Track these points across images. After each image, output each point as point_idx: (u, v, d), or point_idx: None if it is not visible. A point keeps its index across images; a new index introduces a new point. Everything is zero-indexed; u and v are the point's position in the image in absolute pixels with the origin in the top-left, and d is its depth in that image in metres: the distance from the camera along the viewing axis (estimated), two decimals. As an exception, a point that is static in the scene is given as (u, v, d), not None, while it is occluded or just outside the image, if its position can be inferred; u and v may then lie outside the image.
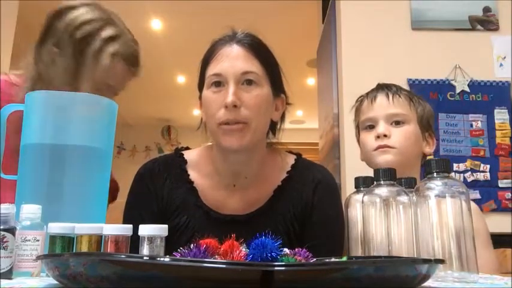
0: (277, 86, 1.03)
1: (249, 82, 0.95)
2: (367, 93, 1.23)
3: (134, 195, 1.06)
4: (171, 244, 0.93)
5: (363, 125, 1.20)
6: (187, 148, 1.13)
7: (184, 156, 1.08)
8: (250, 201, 1.03)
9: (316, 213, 1.03)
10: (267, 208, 1.02)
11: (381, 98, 1.18)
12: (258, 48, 1.00)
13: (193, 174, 1.05)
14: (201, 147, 1.12)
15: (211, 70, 0.98)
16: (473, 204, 1.14)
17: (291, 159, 1.09)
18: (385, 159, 1.10)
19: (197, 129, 1.08)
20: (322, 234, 1.01)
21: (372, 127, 1.17)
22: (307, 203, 1.03)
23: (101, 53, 1.16)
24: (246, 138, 0.94)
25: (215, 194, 1.03)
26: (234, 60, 0.96)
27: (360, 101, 1.24)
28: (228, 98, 0.92)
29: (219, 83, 0.96)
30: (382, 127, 1.14)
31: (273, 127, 1.09)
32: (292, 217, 1.02)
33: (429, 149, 1.19)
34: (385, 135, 1.12)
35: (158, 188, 1.03)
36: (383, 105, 1.16)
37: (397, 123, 1.14)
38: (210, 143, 1.08)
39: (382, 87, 1.21)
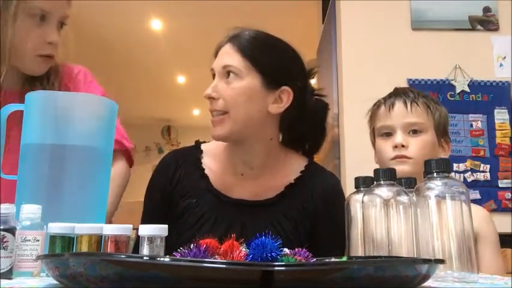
0: (272, 79, 1.04)
1: (228, 75, 1.03)
2: (384, 99, 1.20)
3: (147, 188, 1.15)
4: (181, 224, 1.04)
5: (379, 132, 1.18)
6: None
7: (202, 147, 1.16)
8: (258, 192, 1.07)
9: (327, 220, 1.06)
10: (276, 200, 1.06)
11: (398, 105, 1.15)
12: (244, 44, 1.05)
13: (207, 163, 1.12)
14: None
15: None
16: (484, 211, 1.15)
17: (304, 161, 1.13)
18: (402, 169, 1.09)
19: None
20: (334, 239, 1.04)
21: (388, 134, 1.16)
22: (318, 208, 1.07)
23: None
24: (225, 128, 1.02)
25: (225, 180, 1.09)
26: (220, 56, 1.06)
27: (377, 106, 1.22)
28: (205, 91, 1.04)
29: (214, 78, 1.07)
30: (399, 137, 1.12)
31: (286, 125, 1.11)
32: (301, 215, 1.06)
33: (445, 155, 1.17)
34: (402, 146, 1.11)
35: (169, 176, 1.10)
36: (401, 114, 1.14)
37: (414, 132, 1.13)
38: None
39: (400, 94, 1.18)
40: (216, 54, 1.09)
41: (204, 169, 1.10)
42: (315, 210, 1.06)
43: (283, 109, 1.06)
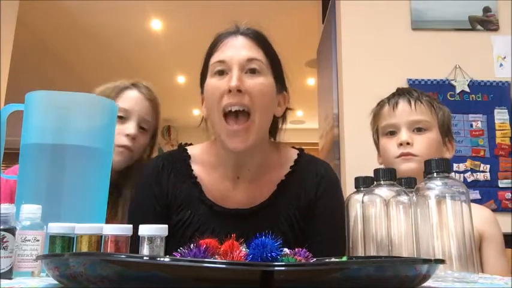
0: (280, 82, 1.03)
1: (253, 70, 0.95)
2: (388, 98, 1.21)
3: (139, 196, 1.08)
4: (176, 239, 0.96)
5: (384, 131, 1.18)
6: (190, 144, 1.14)
7: (188, 151, 1.09)
8: (254, 195, 1.03)
9: (319, 208, 1.04)
10: (270, 202, 1.03)
11: (403, 104, 1.16)
12: (262, 40, 1.01)
13: (196, 169, 1.05)
14: (205, 142, 1.12)
15: (215, 58, 0.98)
16: (488, 212, 1.15)
17: (293, 154, 1.09)
18: (408, 167, 1.10)
19: (198, 125, 1.08)
20: (325, 228, 1.02)
21: (393, 133, 1.16)
22: (310, 198, 1.04)
23: None
24: (250, 138, 0.94)
25: (219, 187, 1.04)
26: (238, 48, 0.97)
27: (380, 105, 1.22)
28: (232, 82, 0.91)
29: (222, 71, 0.96)
30: (404, 135, 1.12)
31: (274, 127, 1.09)
32: (295, 211, 1.03)
33: (449, 154, 1.17)
34: (407, 143, 1.11)
35: (163, 185, 1.04)
36: (405, 112, 1.15)
37: (419, 130, 1.13)
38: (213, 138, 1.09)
39: (404, 93, 1.19)
40: (218, 46, 0.99)
41: (196, 177, 1.04)
42: (307, 206, 1.03)
43: (282, 112, 1.05)
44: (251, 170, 1.03)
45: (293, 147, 1.13)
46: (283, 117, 1.09)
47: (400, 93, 1.20)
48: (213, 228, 0.99)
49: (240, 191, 1.04)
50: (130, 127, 1.23)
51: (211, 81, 0.97)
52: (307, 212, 1.03)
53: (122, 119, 1.24)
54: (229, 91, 0.92)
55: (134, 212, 1.07)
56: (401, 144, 1.12)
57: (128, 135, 1.22)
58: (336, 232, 0.96)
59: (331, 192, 1.06)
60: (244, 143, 0.93)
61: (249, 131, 0.93)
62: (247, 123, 0.93)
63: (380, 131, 1.21)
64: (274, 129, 1.10)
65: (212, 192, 1.03)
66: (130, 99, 1.27)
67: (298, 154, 1.09)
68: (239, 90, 0.92)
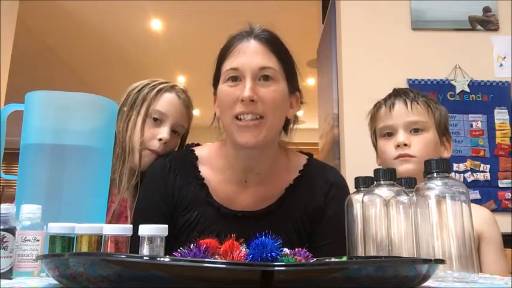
0: (292, 83, 1.03)
1: (266, 77, 0.95)
2: (385, 100, 1.21)
3: (145, 196, 1.08)
4: (182, 240, 0.97)
5: (381, 132, 1.19)
6: (197, 144, 1.14)
7: (195, 152, 1.09)
8: (261, 198, 1.03)
9: (328, 214, 1.04)
10: (278, 205, 1.03)
11: (399, 105, 1.16)
12: (275, 44, 1.00)
13: (204, 170, 1.06)
14: (213, 143, 1.12)
15: (228, 65, 0.98)
16: (487, 212, 1.15)
17: (303, 159, 1.10)
18: (406, 168, 1.10)
19: (211, 124, 1.08)
20: (333, 234, 1.01)
21: (390, 134, 1.16)
22: (319, 204, 1.04)
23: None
24: (261, 134, 0.94)
25: (226, 189, 1.04)
26: (251, 55, 0.96)
27: (377, 107, 1.22)
28: (245, 93, 0.92)
29: (235, 78, 0.96)
30: (401, 136, 1.13)
31: (286, 126, 1.09)
32: (303, 216, 1.03)
33: (447, 154, 1.17)
34: (405, 144, 1.11)
35: (169, 186, 1.04)
36: (402, 113, 1.15)
37: (416, 130, 1.13)
38: (222, 139, 1.08)
39: (400, 94, 1.19)
40: (231, 51, 0.99)
41: (203, 178, 1.04)
42: (316, 211, 1.04)
43: (294, 113, 1.05)
44: (260, 174, 1.03)
45: (302, 152, 1.13)
46: (295, 116, 1.09)
47: (396, 94, 1.20)
48: (220, 230, 0.99)
49: (248, 194, 1.04)
50: (164, 131, 1.21)
51: (224, 88, 0.97)
52: (315, 217, 1.04)
53: (156, 121, 1.22)
54: (242, 100, 0.93)
55: (140, 211, 1.08)
56: (398, 146, 1.12)
57: (160, 139, 1.20)
58: (344, 238, 0.97)
59: (340, 200, 1.04)
60: (256, 138, 0.93)
61: (260, 127, 0.94)
62: (258, 121, 0.94)
63: (377, 132, 1.21)
64: (285, 129, 1.10)
65: (219, 194, 1.03)
66: (168, 102, 1.24)
67: (307, 159, 1.10)
68: (252, 100, 0.93)
